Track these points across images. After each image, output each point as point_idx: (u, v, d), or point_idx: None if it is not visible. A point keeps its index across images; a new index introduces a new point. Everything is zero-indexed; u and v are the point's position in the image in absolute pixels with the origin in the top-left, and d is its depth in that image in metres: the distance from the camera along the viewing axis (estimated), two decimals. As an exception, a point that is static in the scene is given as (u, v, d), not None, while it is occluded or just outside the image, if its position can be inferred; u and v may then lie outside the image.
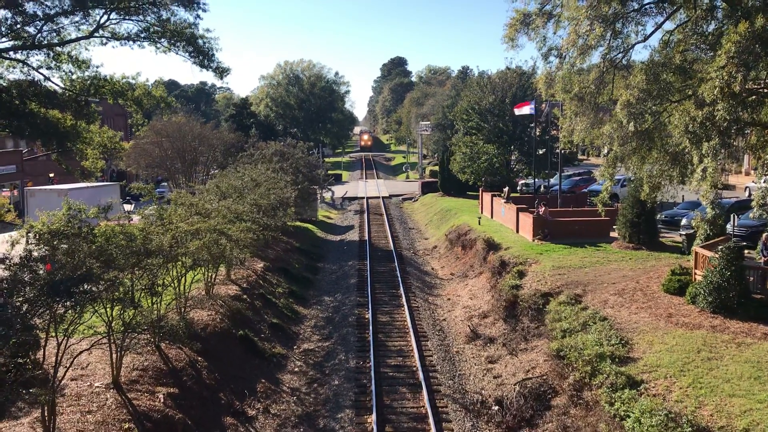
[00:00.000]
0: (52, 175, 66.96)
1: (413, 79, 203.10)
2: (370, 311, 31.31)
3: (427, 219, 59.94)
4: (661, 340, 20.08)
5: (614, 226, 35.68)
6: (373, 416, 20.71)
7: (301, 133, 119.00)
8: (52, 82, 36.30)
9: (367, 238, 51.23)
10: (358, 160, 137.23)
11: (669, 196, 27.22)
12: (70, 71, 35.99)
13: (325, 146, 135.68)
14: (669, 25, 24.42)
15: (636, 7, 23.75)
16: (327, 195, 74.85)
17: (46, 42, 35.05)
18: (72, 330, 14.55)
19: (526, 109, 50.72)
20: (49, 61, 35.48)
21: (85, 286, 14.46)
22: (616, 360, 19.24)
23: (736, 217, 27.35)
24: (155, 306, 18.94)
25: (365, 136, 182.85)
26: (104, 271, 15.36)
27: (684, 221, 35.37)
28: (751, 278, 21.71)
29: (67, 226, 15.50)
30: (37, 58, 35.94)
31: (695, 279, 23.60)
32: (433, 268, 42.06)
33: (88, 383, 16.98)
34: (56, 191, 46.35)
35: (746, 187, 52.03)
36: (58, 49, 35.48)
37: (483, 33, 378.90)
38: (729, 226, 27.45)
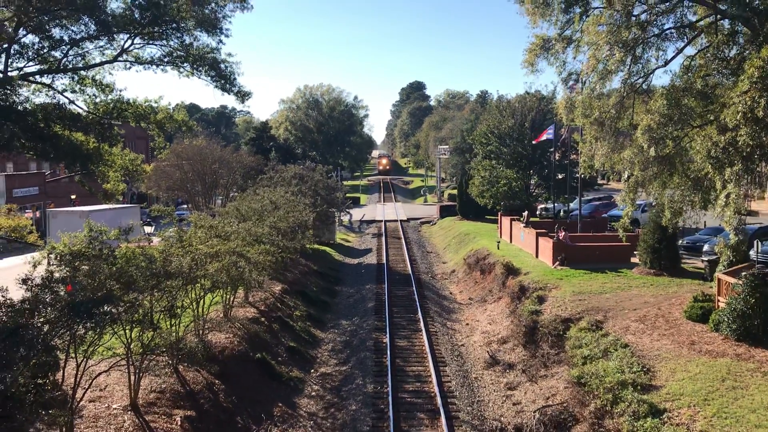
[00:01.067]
0: (74, 196, 67.77)
1: (432, 103, 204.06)
2: (387, 335, 31.12)
3: (446, 243, 59.75)
4: (684, 368, 19.72)
5: (635, 252, 35.35)
6: (391, 442, 20.48)
7: (320, 157, 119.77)
8: (76, 105, 36.89)
9: (384, 261, 51.14)
10: (376, 183, 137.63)
11: (691, 221, 26.93)
12: (94, 95, 36.56)
13: (344, 169, 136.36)
14: (690, 50, 24.36)
15: (656, 33, 23.73)
16: (345, 218, 74.99)
17: (71, 66, 35.69)
18: (91, 351, 14.59)
19: (545, 136, 50.71)
20: (74, 84, 36.09)
21: (106, 308, 14.52)
22: (638, 388, 18.90)
23: (759, 243, 26.97)
24: (174, 328, 18.97)
25: (384, 160, 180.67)
26: (124, 293, 15.43)
27: (706, 247, 34.93)
28: (776, 306, 21.30)
29: (88, 248, 15.63)
30: (62, 81, 36.62)
31: (718, 306, 23.23)
32: (451, 293, 41.82)
33: (106, 405, 16.97)
34: (78, 213, 46.87)
35: (769, 212, 51.40)
36: (83, 73, 36.09)
37: (502, 58, 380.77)
38: (753, 253, 27.08)
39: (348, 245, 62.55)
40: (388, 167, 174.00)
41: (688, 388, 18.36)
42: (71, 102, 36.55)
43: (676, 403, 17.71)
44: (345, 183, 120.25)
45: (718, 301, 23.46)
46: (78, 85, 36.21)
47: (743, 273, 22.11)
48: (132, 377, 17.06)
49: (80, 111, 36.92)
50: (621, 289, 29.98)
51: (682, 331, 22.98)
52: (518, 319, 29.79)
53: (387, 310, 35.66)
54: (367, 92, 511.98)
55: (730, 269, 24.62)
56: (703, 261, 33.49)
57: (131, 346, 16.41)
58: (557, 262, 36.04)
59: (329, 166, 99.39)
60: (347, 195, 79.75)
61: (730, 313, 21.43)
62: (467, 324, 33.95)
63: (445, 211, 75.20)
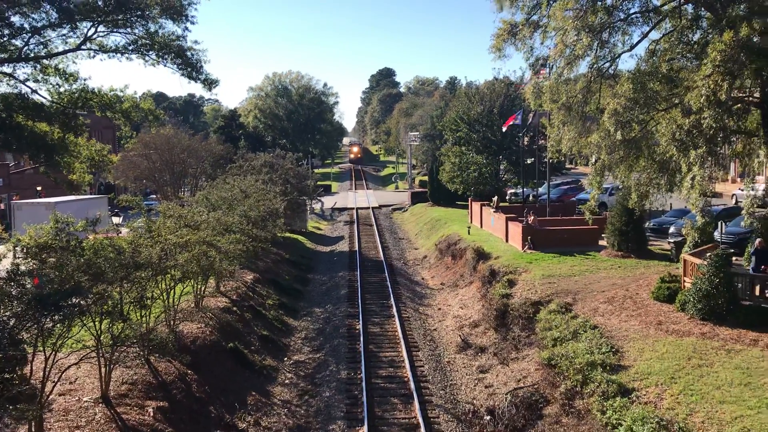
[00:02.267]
0: (39, 188, 66.52)
1: (402, 89, 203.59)
2: (360, 322, 31.22)
3: (417, 229, 59.96)
4: (652, 347, 20.12)
5: (603, 235, 35.84)
6: (365, 427, 20.61)
7: (290, 145, 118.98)
8: (40, 95, 36.09)
9: (357, 248, 51.17)
10: (348, 171, 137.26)
11: (658, 204, 27.37)
12: (58, 84, 35.76)
13: (315, 157, 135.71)
14: (655, 35, 24.66)
15: (622, 17, 23.96)
16: (317, 206, 74.77)
17: (33, 55, 34.85)
18: (60, 344, 14.42)
19: (513, 121, 50.96)
20: (36, 73, 35.26)
21: (74, 300, 14.36)
22: (607, 368, 19.26)
23: (723, 224, 27.51)
24: (144, 319, 18.84)
25: (355, 148, 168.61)
26: (93, 285, 15.26)
27: (672, 229, 35.54)
28: (740, 285, 21.79)
29: (54, 240, 15.40)
30: (24, 71, 35.72)
31: (684, 286, 23.68)
32: (423, 278, 42.03)
33: (77, 398, 16.80)
34: (44, 204, 46.10)
35: (733, 194, 52.43)
36: (45, 61, 35.26)
37: (470, 43, 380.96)
38: (717, 234, 27.61)
39: (320, 233, 62.44)
40: (359, 155, 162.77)
41: (655, 367, 18.75)
42: (34, 91, 35.76)
43: (644, 382, 18.08)
44: (316, 171, 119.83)
45: (684, 281, 23.92)
46: (41, 75, 35.39)
47: (708, 254, 22.56)
48: (102, 369, 16.90)
49: (44, 100, 36.14)
50: (589, 272, 30.40)
51: (650, 311, 23.41)
52: (489, 303, 30.07)
53: (360, 297, 35.74)
54: (336, 79, 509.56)
55: (696, 250, 25.11)
56: (669, 242, 34.10)
57: (101, 338, 16.25)
58: (526, 246, 36.41)
59: (300, 154, 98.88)
60: (318, 183, 79.53)
61: (696, 293, 21.87)
62: (439, 309, 34.18)
63: (416, 198, 75.36)
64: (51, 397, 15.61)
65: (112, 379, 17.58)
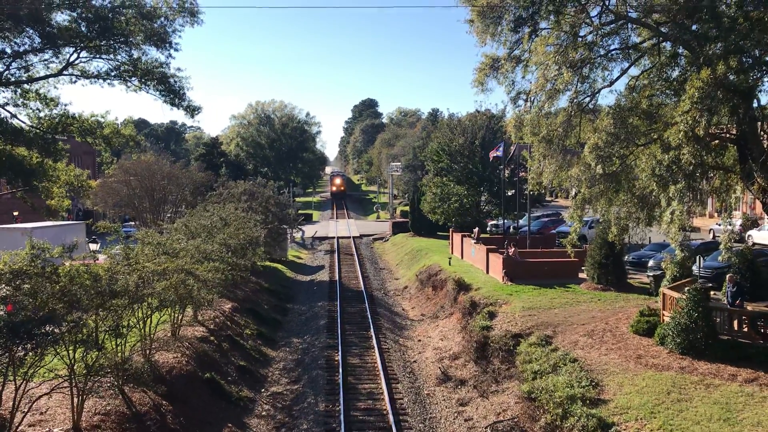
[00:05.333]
0: (16, 213, 65.65)
1: (384, 120, 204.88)
2: (340, 353, 30.89)
3: (398, 259, 59.85)
4: (631, 381, 20.09)
5: (583, 267, 35.98)
6: (343, 461, 20.27)
7: (272, 173, 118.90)
8: (19, 120, 35.74)
9: (337, 278, 50.90)
10: (329, 200, 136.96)
11: (637, 237, 27.60)
12: (38, 108, 35.42)
13: (296, 186, 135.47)
14: (634, 71, 25.10)
15: (602, 53, 24.37)
16: (297, 235, 74.44)
17: (14, 79, 34.61)
18: (32, 373, 14.09)
19: (496, 153, 51.36)
20: (17, 98, 34.95)
21: (47, 328, 14.08)
22: (587, 402, 19.18)
23: (702, 258, 27.75)
24: (119, 348, 18.50)
25: (337, 180, 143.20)
26: (67, 312, 14.99)
27: (651, 262, 35.78)
28: (718, 319, 21.94)
29: (29, 266, 15.16)
30: (3, 95, 35.42)
31: (663, 320, 23.77)
32: (403, 309, 41.83)
33: (47, 429, 16.36)
34: (20, 230, 45.41)
35: (710, 229, 53.01)
36: (26, 86, 35.01)
37: (453, 77, 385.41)
38: (695, 268, 27.83)
39: (300, 262, 62.10)
40: (342, 188, 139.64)
41: (635, 401, 18.70)
42: (13, 116, 35.43)
43: (624, 417, 18.01)
44: (297, 199, 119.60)
45: (663, 315, 24.01)
46: (21, 99, 35.09)
47: (686, 288, 22.70)
48: (75, 399, 16.51)
49: (23, 125, 35.81)
50: (569, 304, 30.43)
51: (629, 345, 23.42)
52: (469, 335, 29.94)
53: (339, 328, 35.42)
54: (319, 109, 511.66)
55: (675, 284, 25.27)
56: (648, 276, 34.29)
57: (74, 367, 15.91)
58: (506, 278, 36.43)
59: (281, 183, 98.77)
60: (300, 211, 79.26)
61: (675, 327, 21.95)
62: (419, 340, 33.97)
63: (397, 228, 75.36)
64: (20, 428, 15.19)
65: (85, 410, 17.17)
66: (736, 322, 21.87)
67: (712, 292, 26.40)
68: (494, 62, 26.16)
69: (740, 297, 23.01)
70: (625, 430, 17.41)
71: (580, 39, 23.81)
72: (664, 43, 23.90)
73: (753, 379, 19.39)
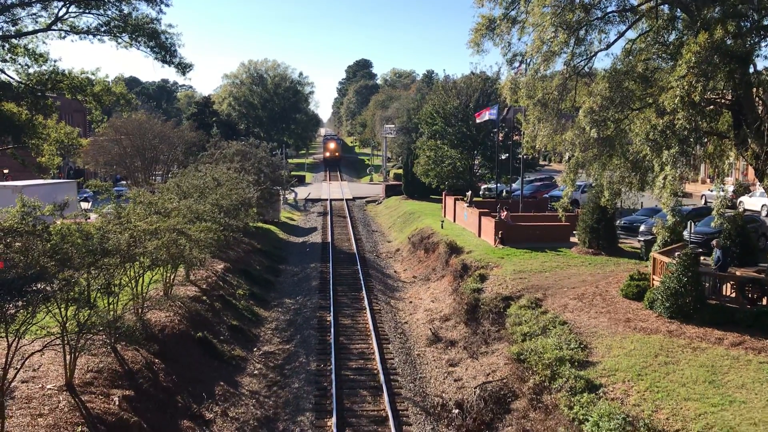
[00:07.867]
0: (6, 171, 65.22)
1: (378, 81, 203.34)
2: (332, 314, 31.12)
3: (391, 222, 59.94)
4: (620, 344, 20.33)
5: (574, 232, 36.14)
6: (333, 419, 20.56)
7: (265, 134, 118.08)
8: (7, 75, 35.31)
9: (330, 240, 51.00)
10: (322, 162, 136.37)
11: (629, 202, 27.65)
12: (27, 64, 34.98)
13: (289, 147, 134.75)
14: (631, 34, 24.81)
15: (599, 15, 24.04)
16: (290, 196, 74.31)
17: (1, 33, 34.05)
18: (24, 330, 14.11)
19: (486, 115, 50.97)
20: (4, 53, 34.45)
21: (39, 285, 14.06)
22: (576, 364, 19.42)
23: (692, 224, 27.89)
24: (111, 306, 18.53)
25: (331, 145, 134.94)
26: (59, 270, 14.95)
27: (643, 227, 35.95)
28: (707, 284, 22.15)
29: (20, 224, 15.06)
30: (-10, 50, 34.93)
31: (653, 284, 23.97)
32: (395, 271, 42.03)
33: (40, 385, 16.47)
34: (10, 188, 45.11)
35: (702, 194, 53.25)
36: (14, 41, 34.47)
37: (448, 37, 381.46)
38: (686, 233, 27.97)
39: (293, 224, 62.11)
40: (336, 154, 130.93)
41: (623, 363, 18.95)
42: (2, 71, 34.98)
43: (612, 379, 18.27)
44: (290, 161, 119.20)
45: (653, 279, 24.21)
46: (9, 54, 34.59)
47: (677, 253, 22.85)
48: (67, 357, 16.59)
49: (11, 80, 35.36)
50: (560, 268, 30.63)
51: (619, 308, 23.66)
52: (460, 297, 30.16)
53: (331, 289, 35.62)
54: (313, 69, 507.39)
55: (665, 249, 25.42)
56: (639, 241, 34.49)
57: (67, 325, 15.94)
58: (498, 241, 36.57)
59: (274, 144, 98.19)
60: (292, 173, 79.02)
61: (664, 291, 22.14)
62: (411, 302, 34.21)
63: (390, 191, 75.32)
64: (13, 384, 15.27)
65: (77, 367, 17.27)
66: (724, 287, 22.09)
67: (702, 258, 26.63)
68: (491, 23, 25.81)
69: (725, 262, 23.23)
70: (612, 391, 17.67)
71: (577, 0, 23.49)
72: (661, 6, 23.59)
73: (739, 343, 19.65)
